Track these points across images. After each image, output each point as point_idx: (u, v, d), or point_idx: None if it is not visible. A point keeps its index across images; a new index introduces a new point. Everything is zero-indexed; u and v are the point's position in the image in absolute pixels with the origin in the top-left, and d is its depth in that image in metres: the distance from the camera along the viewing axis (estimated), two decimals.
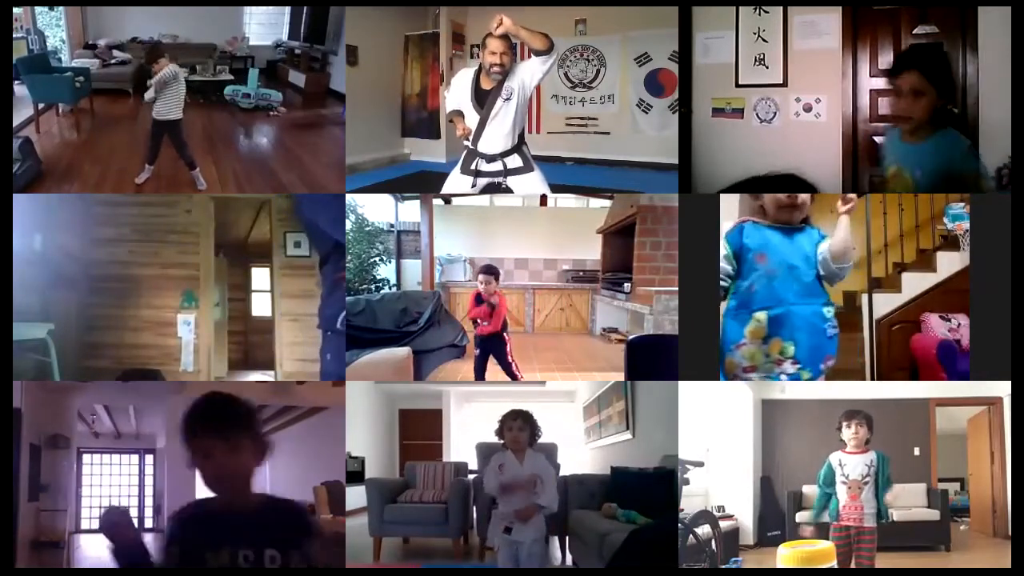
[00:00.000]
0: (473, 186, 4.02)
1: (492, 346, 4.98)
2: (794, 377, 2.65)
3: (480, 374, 5.10)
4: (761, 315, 2.62)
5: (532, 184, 4.06)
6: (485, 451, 5.43)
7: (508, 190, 4.05)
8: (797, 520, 4.76)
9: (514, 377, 5.07)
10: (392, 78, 7.92)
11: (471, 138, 3.94)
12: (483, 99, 3.89)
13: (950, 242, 5.66)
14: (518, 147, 4.02)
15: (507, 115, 3.92)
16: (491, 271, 4.95)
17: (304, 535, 1.78)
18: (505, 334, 5.00)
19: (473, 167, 4.01)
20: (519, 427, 3.03)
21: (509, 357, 5.00)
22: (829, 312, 2.68)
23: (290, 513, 1.82)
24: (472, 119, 3.92)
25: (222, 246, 7.24)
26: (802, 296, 2.65)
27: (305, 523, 1.81)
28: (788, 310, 2.63)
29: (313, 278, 5.53)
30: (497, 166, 3.98)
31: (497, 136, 3.94)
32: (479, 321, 4.95)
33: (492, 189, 4.16)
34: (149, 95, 4.75)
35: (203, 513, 1.78)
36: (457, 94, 3.96)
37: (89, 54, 7.64)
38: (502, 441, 3.09)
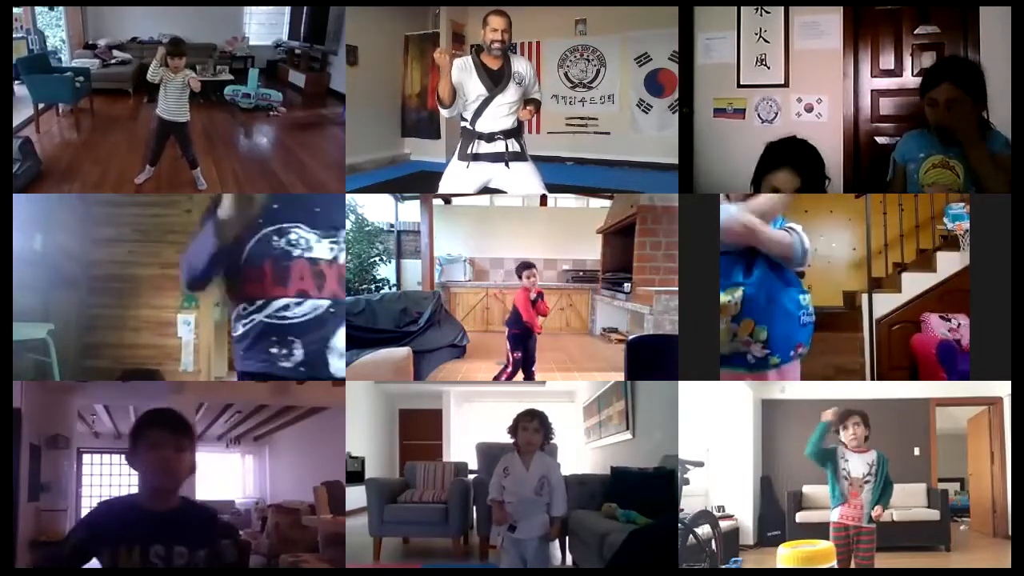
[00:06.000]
0: (468, 167, 4.00)
1: (532, 343, 5.12)
2: (760, 362, 2.55)
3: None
4: (737, 291, 2.53)
5: (527, 175, 4.07)
6: (485, 451, 5.43)
7: (517, 156, 4.04)
8: (798, 520, 4.77)
9: (532, 376, 5.17)
10: (392, 78, 7.92)
11: (470, 118, 3.95)
12: (493, 77, 3.92)
13: (950, 242, 5.67)
14: (517, 132, 4.05)
15: (511, 97, 3.95)
16: (531, 264, 5.20)
17: (216, 537, 1.96)
18: None
19: (470, 151, 3.99)
20: (535, 428, 2.98)
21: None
22: (805, 300, 2.61)
23: (205, 517, 2.01)
24: (477, 98, 3.92)
25: None
26: (779, 280, 2.58)
27: (217, 526, 2.01)
28: (765, 291, 2.55)
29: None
30: (497, 147, 3.98)
31: (497, 116, 3.95)
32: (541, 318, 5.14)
33: (489, 189, 4.16)
34: (153, 75, 4.71)
35: (126, 508, 1.93)
36: (458, 78, 3.92)
37: (89, 54, 7.64)
38: (513, 440, 3.04)
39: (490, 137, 3.96)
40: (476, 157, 3.98)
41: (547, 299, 5.27)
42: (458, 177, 4.05)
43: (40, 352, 4.79)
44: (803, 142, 2.91)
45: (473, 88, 3.92)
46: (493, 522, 3.03)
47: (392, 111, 7.98)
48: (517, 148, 4.04)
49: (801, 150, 2.88)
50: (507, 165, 4.00)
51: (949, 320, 5.22)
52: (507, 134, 4.00)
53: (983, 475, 5.38)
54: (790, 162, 2.82)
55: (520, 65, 3.99)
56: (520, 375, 5.18)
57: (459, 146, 4.04)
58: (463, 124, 4.01)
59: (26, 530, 4.32)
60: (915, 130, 3.55)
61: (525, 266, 5.18)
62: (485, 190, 4.18)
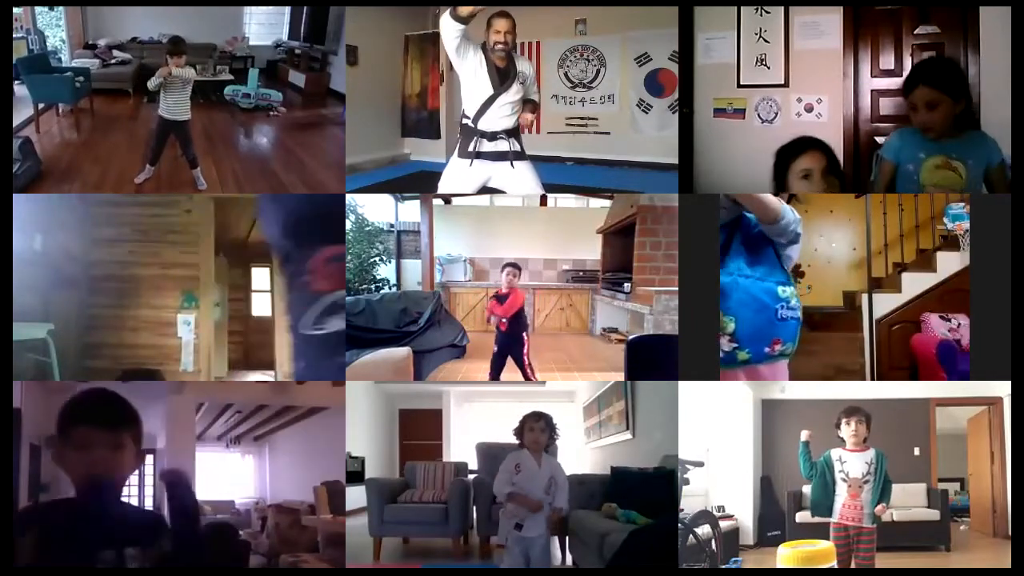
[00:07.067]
0: (471, 165, 4.00)
1: (511, 346, 5.09)
2: (729, 356, 2.47)
3: (496, 374, 5.17)
4: None
5: (525, 175, 4.08)
6: (485, 451, 5.44)
7: (517, 156, 4.05)
8: (798, 520, 4.77)
9: (528, 378, 5.14)
10: (392, 78, 7.92)
11: (472, 116, 3.96)
12: (500, 76, 3.92)
13: (950, 242, 5.68)
14: (515, 132, 4.06)
15: (514, 96, 3.97)
16: (514, 265, 5.27)
17: (160, 537, 1.71)
18: (524, 335, 5.14)
19: (472, 148, 4.00)
20: (540, 428, 3.06)
21: (526, 359, 5.10)
22: (785, 292, 2.49)
23: (148, 519, 1.76)
24: (482, 96, 3.93)
25: (222, 246, 7.24)
26: (754, 269, 2.49)
27: (161, 527, 1.76)
28: (735, 280, 2.47)
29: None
30: (499, 146, 3.99)
31: (499, 116, 3.97)
32: (495, 317, 5.12)
33: (488, 189, 4.16)
34: (155, 84, 4.73)
35: (64, 516, 1.64)
36: (471, 71, 3.90)
37: (89, 54, 7.64)
38: (519, 441, 3.10)
39: (492, 136, 3.97)
40: (479, 155, 3.99)
41: (516, 298, 5.11)
42: (459, 175, 4.05)
43: (40, 352, 4.79)
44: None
45: (481, 84, 3.92)
46: (528, 510, 2.99)
47: (392, 111, 7.98)
48: (518, 147, 4.05)
49: (817, 140, 2.98)
50: (512, 164, 4.01)
51: (949, 320, 5.22)
52: (509, 133, 4.01)
53: (983, 475, 5.38)
54: (813, 145, 2.92)
55: (523, 65, 4.02)
56: (519, 375, 5.17)
57: (459, 144, 4.05)
58: (464, 122, 4.01)
59: None
60: (904, 128, 3.53)
61: (506, 265, 5.24)
62: (484, 190, 4.18)
